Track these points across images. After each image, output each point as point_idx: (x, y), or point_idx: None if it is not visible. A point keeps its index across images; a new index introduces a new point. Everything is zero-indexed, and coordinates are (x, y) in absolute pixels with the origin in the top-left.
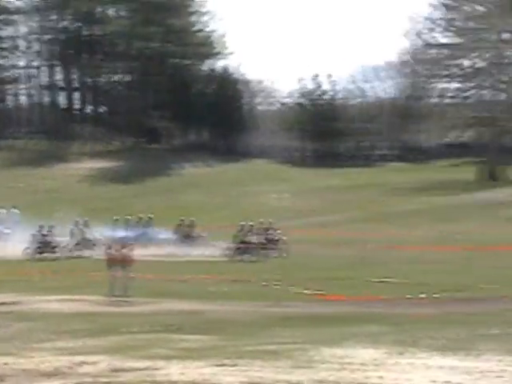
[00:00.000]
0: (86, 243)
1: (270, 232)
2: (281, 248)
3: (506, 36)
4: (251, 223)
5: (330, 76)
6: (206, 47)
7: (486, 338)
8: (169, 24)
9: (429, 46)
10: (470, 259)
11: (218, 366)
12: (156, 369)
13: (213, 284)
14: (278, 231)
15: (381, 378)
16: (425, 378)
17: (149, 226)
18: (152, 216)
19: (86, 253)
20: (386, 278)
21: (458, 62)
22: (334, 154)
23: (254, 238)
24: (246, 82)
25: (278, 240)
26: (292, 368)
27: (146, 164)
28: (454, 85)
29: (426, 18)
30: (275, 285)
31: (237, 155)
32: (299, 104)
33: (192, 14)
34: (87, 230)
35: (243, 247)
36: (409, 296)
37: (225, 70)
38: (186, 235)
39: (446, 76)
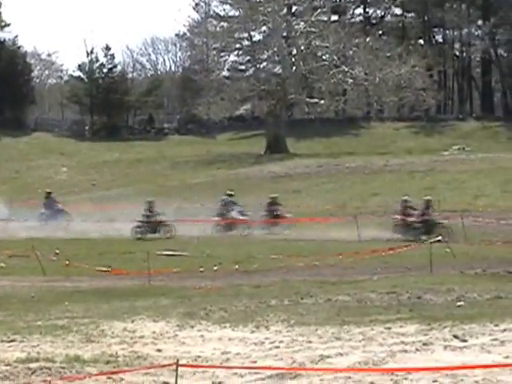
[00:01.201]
0: None
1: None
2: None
3: (292, 9)
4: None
5: (108, 48)
6: None
7: (275, 309)
8: None
9: (211, 18)
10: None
11: (6, 341)
12: None
13: None
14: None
15: (173, 351)
16: (216, 350)
17: None
18: None
19: None
20: (175, 251)
21: (238, 34)
22: (119, 127)
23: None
24: (32, 55)
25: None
26: (83, 343)
27: None
28: (234, 58)
29: None
30: (57, 260)
31: (25, 129)
32: (85, 77)
33: None
34: None
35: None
36: (201, 269)
37: (13, 42)
38: None
39: (227, 49)
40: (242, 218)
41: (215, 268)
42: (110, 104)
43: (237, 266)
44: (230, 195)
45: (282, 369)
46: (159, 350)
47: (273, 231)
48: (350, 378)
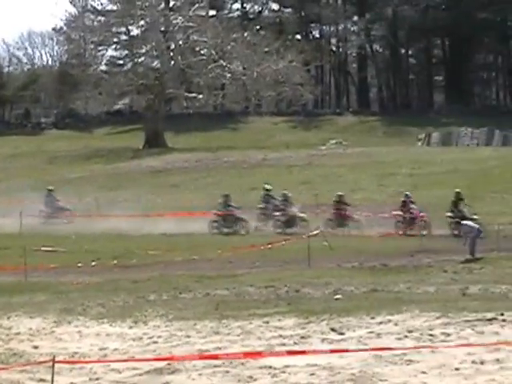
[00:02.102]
0: None
1: None
2: None
3: (170, 4)
4: None
5: None
6: None
7: (153, 304)
8: None
9: (88, 12)
10: (139, 225)
11: None
12: None
13: None
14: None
15: (50, 347)
16: (94, 346)
17: None
18: None
19: None
20: (51, 246)
21: (116, 29)
22: None
23: None
24: None
25: None
26: None
27: None
28: (112, 52)
29: None
30: None
31: None
32: None
33: None
34: None
35: None
36: (79, 264)
37: None
38: None
39: (104, 43)
40: None
41: (93, 263)
42: None
43: (115, 261)
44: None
45: (158, 359)
46: (36, 347)
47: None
48: (228, 372)
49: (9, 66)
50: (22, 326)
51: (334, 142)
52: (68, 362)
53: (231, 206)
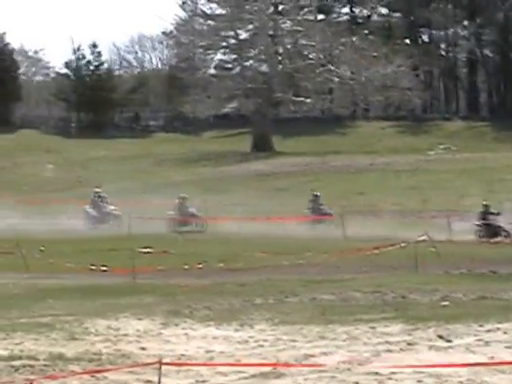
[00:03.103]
0: None
1: None
2: None
3: (279, 8)
4: None
5: (95, 46)
6: None
7: (259, 308)
8: None
9: (198, 16)
10: (244, 228)
11: None
12: None
13: None
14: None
15: (157, 349)
16: (200, 349)
17: None
18: None
19: None
20: (158, 248)
21: (224, 33)
22: (105, 124)
23: None
24: (19, 52)
25: None
26: (67, 340)
27: None
28: (221, 56)
29: None
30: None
31: (10, 126)
32: (72, 74)
33: None
34: None
35: None
36: (186, 267)
37: (0, 39)
38: None
39: (213, 47)
40: None
41: (200, 266)
42: (96, 101)
43: (222, 264)
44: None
45: (266, 365)
46: (143, 348)
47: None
48: (334, 377)
49: (119, 70)
50: (130, 328)
51: (442, 147)
52: (175, 364)
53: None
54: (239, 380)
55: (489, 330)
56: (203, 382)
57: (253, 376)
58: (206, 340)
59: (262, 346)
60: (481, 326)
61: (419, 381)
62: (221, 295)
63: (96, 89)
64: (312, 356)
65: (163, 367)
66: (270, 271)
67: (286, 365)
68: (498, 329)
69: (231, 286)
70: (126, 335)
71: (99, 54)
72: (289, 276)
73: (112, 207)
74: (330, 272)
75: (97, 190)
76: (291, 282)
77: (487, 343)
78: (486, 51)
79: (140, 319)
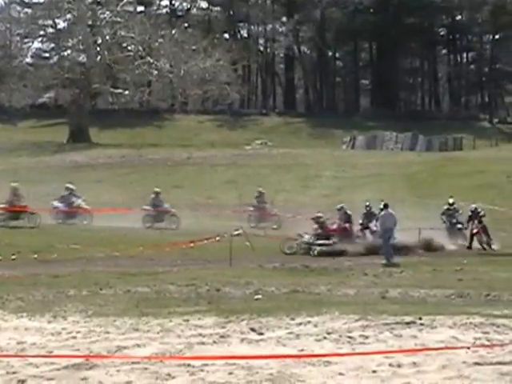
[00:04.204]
0: None
1: None
2: None
3: None
4: None
5: None
6: None
7: (73, 299)
8: None
9: (15, 3)
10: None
11: None
12: None
13: None
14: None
15: None
16: (12, 340)
17: None
18: None
19: None
20: None
21: (42, 21)
22: None
23: None
24: None
25: None
26: None
27: None
28: (38, 45)
29: None
30: None
31: None
32: None
33: None
34: None
35: None
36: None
37: None
38: None
39: (30, 35)
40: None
41: (13, 257)
42: None
43: (36, 256)
44: None
45: (77, 357)
46: None
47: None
48: (146, 368)
49: None
50: None
51: (259, 142)
52: None
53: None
54: (51, 371)
55: (300, 323)
56: (14, 373)
57: (65, 367)
58: (17, 331)
59: (74, 337)
60: (292, 319)
61: (230, 373)
62: (34, 286)
63: None
64: (125, 348)
65: None
66: (85, 263)
67: (98, 356)
68: (309, 322)
69: (45, 277)
70: None
71: None
72: (104, 268)
73: None
74: (145, 265)
75: None
76: (106, 274)
77: (298, 336)
78: (304, 48)
79: None
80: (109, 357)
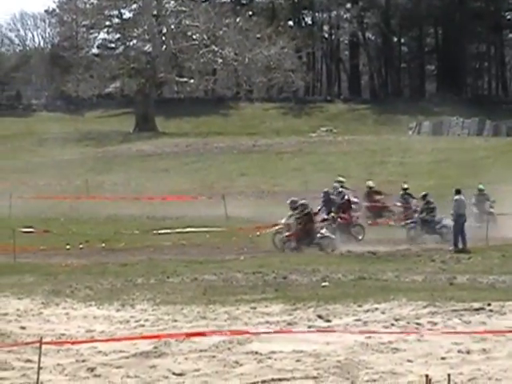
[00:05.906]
0: None
1: None
2: None
3: None
4: None
5: None
6: None
7: (141, 288)
8: None
9: None
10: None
11: None
12: None
13: None
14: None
15: (38, 328)
16: (81, 328)
17: None
18: None
19: None
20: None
21: (108, 12)
22: None
23: None
24: None
25: None
26: None
27: None
28: (104, 35)
29: None
30: None
31: None
32: None
33: None
34: None
35: None
36: (67, 247)
37: None
38: None
39: (96, 26)
40: None
41: (81, 246)
42: None
43: (103, 244)
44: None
45: (145, 338)
46: (23, 328)
47: None
48: (214, 356)
49: (0, 48)
50: (10, 307)
51: (324, 129)
52: (55, 344)
53: None
54: (120, 359)
55: (367, 310)
56: (83, 361)
57: (133, 355)
58: (86, 320)
59: (142, 325)
60: (359, 306)
61: (298, 360)
62: (102, 275)
63: None
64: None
65: (43, 346)
66: (152, 251)
67: (165, 336)
68: (377, 309)
69: (113, 266)
70: (5, 314)
71: None
72: (171, 256)
73: None
74: (211, 253)
75: None
76: (173, 262)
77: (365, 323)
78: (368, 34)
79: (20, 298)
80: (175, 336)
